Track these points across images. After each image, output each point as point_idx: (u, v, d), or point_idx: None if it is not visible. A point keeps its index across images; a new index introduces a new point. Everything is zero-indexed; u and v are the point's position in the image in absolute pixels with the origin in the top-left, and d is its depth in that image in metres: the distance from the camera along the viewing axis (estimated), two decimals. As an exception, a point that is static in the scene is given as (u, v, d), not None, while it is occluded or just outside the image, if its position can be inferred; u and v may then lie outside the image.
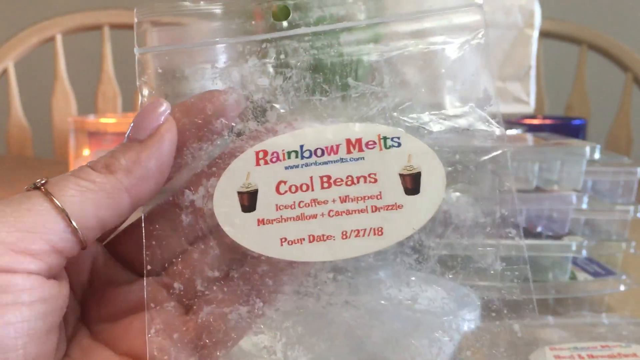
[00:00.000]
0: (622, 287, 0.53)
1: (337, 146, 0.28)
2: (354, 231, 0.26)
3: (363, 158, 0.27)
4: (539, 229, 0.54)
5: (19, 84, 1.26)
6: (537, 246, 0.52)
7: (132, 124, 0.28)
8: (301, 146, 0.28)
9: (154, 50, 0.30)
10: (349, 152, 0.27)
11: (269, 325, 0.28)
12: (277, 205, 0.27)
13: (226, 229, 0.27)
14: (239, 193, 0.27)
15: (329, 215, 0.27)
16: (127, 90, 1.31)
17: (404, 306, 0.27)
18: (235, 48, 0.30)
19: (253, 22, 0.29)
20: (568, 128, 0.83)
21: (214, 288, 0.28)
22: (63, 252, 0.25)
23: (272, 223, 0.27)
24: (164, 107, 0.28)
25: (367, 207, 0.27)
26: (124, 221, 0.28)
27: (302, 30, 0.29)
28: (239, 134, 0.29)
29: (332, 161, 0.27)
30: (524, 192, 0.53)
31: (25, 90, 1.28)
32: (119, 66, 1.31)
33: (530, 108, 0.79)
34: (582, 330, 0.47)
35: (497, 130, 0.28)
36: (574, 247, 0.52)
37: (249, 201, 0.27)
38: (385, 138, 0.27)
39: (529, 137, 0.62)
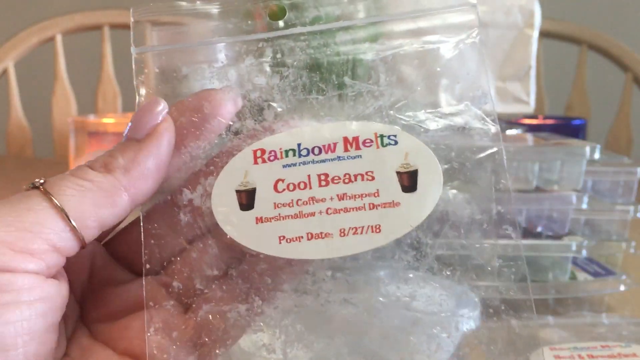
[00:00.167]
0: (622, 287, 0.53)
1: (335, 144, 0.28)
2: (352, 229, 0.26)
3: (360, 156, 0.27)
4: (539, 229, 0.54)
5: (19, 84, 1.26)
6: (537, 246, 0.52)
7: (130, 123, 0.28)
8: (299, 144, 0.28)
9: (151, 49, 0.30)
10: (346, 150, 0.28)
11: (268, 323, 0.28)
12: (275, 203, 0.27)
13: (225, 227, 0.27)
14: (237, 192, 0.27)
15: (326, 213, 0.27)
16: (127, 90, 1.31)
17: (402, 303, 0.27)
18: (232, 47, 0.30)
19: (250, 22, 0.29)
20: (568, 128, 0.83)
21: (213, 286, 0.28)
22: (62, 252, 0.25)
23: (271, 221, 0.27)
24: (162, 107, 0.28)
25: (364, 204, 0.27)
26: (122, 220, 0.28)
27: (298, 29, 0.29)
28: (236, 133, 0.29)
29: (329, 159, 0.27)
30: (524, 192, 0.53)
31: (25, 90, 1.28)
32: (119, 66, 1.31)
33: (530, 108, 0.79)
34: (582, 330, 0.47)
35: (493, 128, 0.28)
36: (574, 247, 0.52)
37: (247, 199, 0.27)
38: (382, 136, 0.28)
39: (529, 137, 0.62)
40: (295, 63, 0.29)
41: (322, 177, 0.27)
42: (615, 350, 0.43)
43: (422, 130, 0.28)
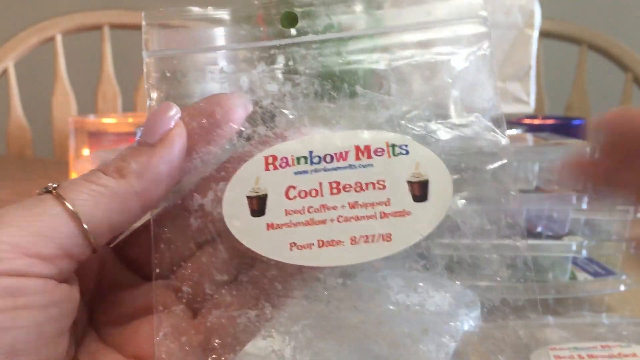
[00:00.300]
0: (622, 287, 0.53)
1: (346, 153, 0.28)
2: (363, 237, 0.26)
3: (371, 165, 0.27)
4: (539, 229, 0.54)
5: (19, 84, 1.26)
6: (537, 246, 0.52)
7: (142, 128, 0.28)
8: (310, 152, 0.28)
9: (162, 53, 0.30)
10: (357, 158, 0.28)
11: (278, 329, 0.28)
12: (286, 210, 0.27)
13: (235, 233, 0.27)
14: (249, 197, 0.27)
15: (338, 220, 0.27)
16: (127, 90, 1.31)
17: (412, 311, 0.27)
18: (243, 53, 0.30)
19: (261, 29, 0.30)
20: (568, 128, 0.82)
21: (223, 292, 0.28)
22: (74, 256, 0.25)
23: (282, 228, 0.27)
24: (174, 111, 0.28)
25: (375, 213, 0.27)
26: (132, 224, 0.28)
27: (309, 37, 0.29)
28: (248, 139, 0.29)
29: (341, 167, 0.28)
30: (524, 192, 0.53)
31: (25, 91, 1.28)
32: (119, 66, 1.31)
33: (530, 108, 0.79)
34: (582, 330, 0.47)
35: (502, 139, 0.29)
36: (574, 247, 0.52)
37: (258, 206, 0.27)
38: (393, 146, 0.28)
39: (529, 137, 0.62)
40: (307, 71, 0.29)
41: (334, 185, 0.27)
42: (616, 351, 0.43)
43: (433, 140, 0.28)
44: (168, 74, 0.30)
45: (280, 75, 0.29)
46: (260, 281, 0.27)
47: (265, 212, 0.27)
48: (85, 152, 0.81)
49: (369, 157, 0.27)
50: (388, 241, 0.26)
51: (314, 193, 0.27)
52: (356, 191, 0.27)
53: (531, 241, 0.52)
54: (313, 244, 0.27)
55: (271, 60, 0.29)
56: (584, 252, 0.52)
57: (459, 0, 0.30)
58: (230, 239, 0.27)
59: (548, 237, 0.53)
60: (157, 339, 0.26)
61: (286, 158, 0.28)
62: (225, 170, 0.28)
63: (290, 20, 0.29)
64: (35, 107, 1.30)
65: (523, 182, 0.53)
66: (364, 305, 0.28)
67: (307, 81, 0.29)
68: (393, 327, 0.28)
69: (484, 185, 0.27)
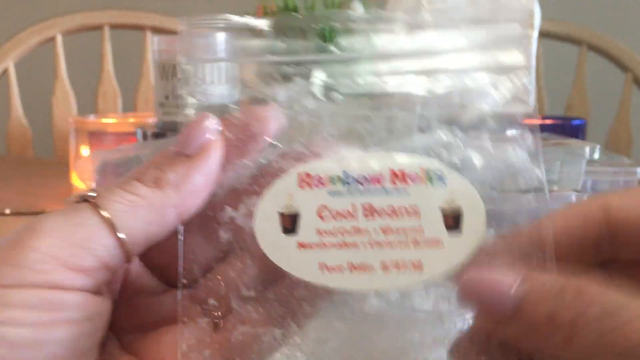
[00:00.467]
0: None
1: (381, 176, 0.27)
2: (394, 263, 0.26)
3: (406, 191, 0.27)
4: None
5: (19, 84, 1.26)
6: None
7: (179, 137, 0.27)
8: (345, 172, 0.28)
9: (200, 61, 0.30)
10: (392, 183, 0.27)
11: (303, 350, 0.28)
12: (318, 230, 0.27)
13: (265, 249, 0.27)
14: (281, 214, 0.27)
15: (369, 245, 0.27)
16: (127, 90, 1.31)
17: (438, 340, 0.28)
18: (282, 66, 0.30)
19: (301, 41, 0.29)
20: (568, 128, 0.82)
21: (249, 307, 0.27)
22: (110, 268, 0.25)
23: (313, 248, 0.27)
24: (212, 122, 0.27)
25: (407, 240, 0.27)
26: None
27: (348, 55, 0.29)
28: (282, 154, 0.28)
29: (375, 191, 0.27)
30: (524, 192, 0.53)
31: (26, 90, 1.28)
32: (119, 66, 1.31)
33: (530, 108, 0.79)
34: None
35: (539, 172, 0.28)
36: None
37: (290, 223, 0.27)
38: (429, 172, 0.27)
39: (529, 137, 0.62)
40: (344, 89, 0.29)
41: (367, 208, 0.27)
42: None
43: (468, 168, 0.28)
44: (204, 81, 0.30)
45: (317, 91, 0.29)
46: (288, 300, 0.27)
47: (297, 230, 0.27)
48: (86, 152, 0.81)
49: (404, 182, 0.27)
50: (419, 269, 0.26)
51: (347, 215, 0.27)
52: (389, 216, 0.27)
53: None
54: (343, 267, 0.26)
55: (309, 75, 0.29)
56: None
57: (502, 27, 0.30)
58: (259, 254, 0.27)
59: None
60: (181, 351, 0.26)
61: (320, 177, 0.27)
62: (258, 185, 0.28)
63: (331, 36, 0.29)
64: (36, 107, 1.30)
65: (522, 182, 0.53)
66: (390, 332, 0.28)
67: (344, 99, 0.29)
68: (418, 355, 0.28)
69: (516, 220, 0.27)
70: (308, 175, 0.28)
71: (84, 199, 0.26)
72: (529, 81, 0.29)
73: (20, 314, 0.23)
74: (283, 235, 0.27)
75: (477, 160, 0.28)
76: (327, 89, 0.29)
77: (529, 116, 0.29)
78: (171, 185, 0.26)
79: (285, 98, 0.29)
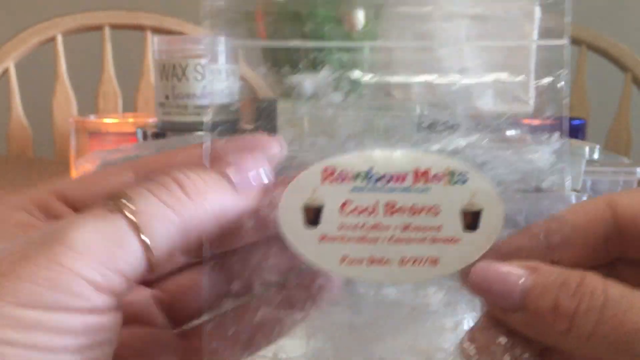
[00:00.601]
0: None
1: (405, 175, 0.28)
2: (412, 259, 0.27)
3: (428, 190, 0.28)
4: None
5: (19, 84, 1.26)
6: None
7: (231, 157, 0.27)
8: (369, 169, 0.28)
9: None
10: (415, 182, 0.28)
11: (323, 331, 0.29)
12: (340, 223, 0.28)
13: (288, 240, 0.27)
14: (304, 207, 0.28)
15: (389, 240, 0.27)
16: (128, 90, 1.31)
17: (449, 331, 0.28)
18: (308, 52, 0.30)
19: (329, 26, 0.29)
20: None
21: (272, 291, 0.28)
22: (133, 287, 0.25)
23: (334, 241, 0.27)
24: (266, 173, 0.28)
25: (426, 237, 0.27)
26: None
27: (379, 43, 0.30)
28: (307, 148, 0.29)
29: (398, 189, 0.28)
30: (524, 192, 0.53)
31: (26, 91, 1.28)
32: (119, 66, 1.31)
33: (530, 108, 0.79)
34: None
35: (563, 173, 0.29)
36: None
37: (313, 216, 0.28)
38: (453, 173, 0.28)
39: (529, 137, 0.62)
40: (372, 82, 0.29)
41: (389, 206, 0.28)
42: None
43: (491, 168, 0.28)
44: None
45: (344, 84, 0.29)
46: (309, 288, 0.28)
47: (320, 223, 0.28)
48: (86, 152, 0.81)
49: (427, 181, 0.28)
50: (435, 265, 0.27)
51: (369, 211, 0.28)
52: (410, 214, 0.28)
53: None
54: (363, 260, 0.27)
55: (336, 65, 0.29)
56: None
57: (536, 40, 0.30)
58: (281, 245, 0.28)
59: (548, 236, 0.53)
60: (207, 330, 0.28)
61: (344, 172, 0.28)
62: (282, 176, 0.28)
63: (361, 22, 0.29)
64: (36, 107, 1.30)
65: (522, 181, 0.53)
66: (402, 322, 0.29)
67: (372, 94, 0.29)
68: (430, 345, 0.29)
69: (534, 220, 0.28)
70: (332, 169, 0.28)
71: (119, 209, 0.24)
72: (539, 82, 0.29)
73: (59, 340, 0.22)
74: (306, 227, 0.28)
75: (500, 159, 0.29)
76: (355, 81, 0.29)
77: (555, 117, 0.29)
78: (211, 214, 0.26)
79: (312, 88, 0.29)
